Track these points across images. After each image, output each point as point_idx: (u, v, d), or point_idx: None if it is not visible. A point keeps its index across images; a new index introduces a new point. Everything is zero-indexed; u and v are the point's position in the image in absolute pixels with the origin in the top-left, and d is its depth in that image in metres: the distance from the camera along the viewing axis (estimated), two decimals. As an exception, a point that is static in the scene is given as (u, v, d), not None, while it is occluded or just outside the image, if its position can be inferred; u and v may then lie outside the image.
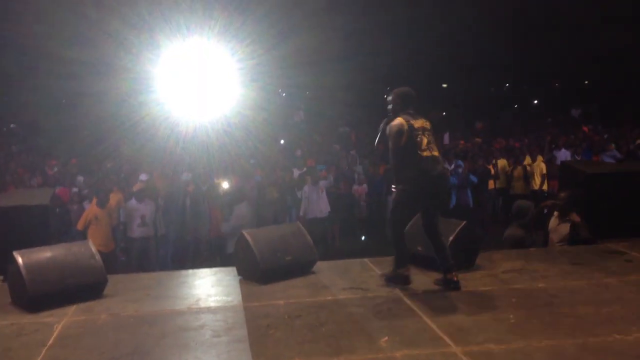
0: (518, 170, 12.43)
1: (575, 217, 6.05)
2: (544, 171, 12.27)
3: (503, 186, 12.52)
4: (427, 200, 4.77)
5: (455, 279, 4.72)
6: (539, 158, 12.70)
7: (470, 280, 4.94)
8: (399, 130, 4.66)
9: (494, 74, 27.06)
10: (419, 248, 5.36)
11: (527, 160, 12.93)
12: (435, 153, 4.75)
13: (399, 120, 4.70)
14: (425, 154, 4.66)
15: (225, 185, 9.83)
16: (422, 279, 5.03)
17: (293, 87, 21.21)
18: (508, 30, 23.78)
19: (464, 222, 5.35)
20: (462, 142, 17.47)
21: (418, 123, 4.73)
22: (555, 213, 6.22)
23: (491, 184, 12.31)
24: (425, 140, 4.68)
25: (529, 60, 25.01)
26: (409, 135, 4.65)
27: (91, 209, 8.77)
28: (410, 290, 4.76)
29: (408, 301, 4.51)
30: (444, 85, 30.99)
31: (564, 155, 13.40)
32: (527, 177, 12.38)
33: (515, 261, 5.52)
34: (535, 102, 30.72)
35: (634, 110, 20.83)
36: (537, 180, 12.23)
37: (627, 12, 20.35)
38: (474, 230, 5.52)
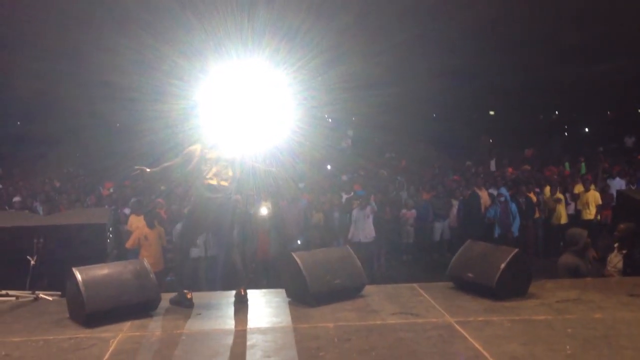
0: (562, 199, 12.13)
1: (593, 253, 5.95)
2: (599, 201, 11.93)
3: (547, 215, 12.21)
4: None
5: (243, 292, 5.16)
6: (592, 187, 12.37)
7: (523, 309, 4.84)
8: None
9: (542, 100, 26.68)
10: (470, 275, 5.30)
11: (579, 188, 12.62)
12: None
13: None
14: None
15: (263, 211, 10.00)
16: (474, 306, 4.95)
17: (340, 112, 21.37)
18: (558, 56, 23.49)
19: (516, 250, 5.26)
20: (510, 169, 17.18)
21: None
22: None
23: (537, 213, 12.04)
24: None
25: (580, 87, 24.58)
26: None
27: (141, 229, 8.99)
28: (461, 317, 4.69)
29: (459, 328, 4.44)
30: (491, 113, 30.71)
31: (618, 184, 13.04)
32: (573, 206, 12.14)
33: (569, 290, 5.37)
34: (587, 129, 30.06)
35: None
36: (592, 209, 11.90)
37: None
38: (526, 257, 5.40)
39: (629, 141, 24.67)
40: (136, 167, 5.32)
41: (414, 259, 11.61)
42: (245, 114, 5.65)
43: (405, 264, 11.38)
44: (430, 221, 11.85)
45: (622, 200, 7.61)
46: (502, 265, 5.05)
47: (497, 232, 11.28)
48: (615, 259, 5.98)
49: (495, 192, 12.09)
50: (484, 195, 11.83)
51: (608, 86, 23.83)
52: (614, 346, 4.02)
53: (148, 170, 5.28)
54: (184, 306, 5.06)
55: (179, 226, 9.28)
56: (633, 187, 12.32)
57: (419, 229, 11.75)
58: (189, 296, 5.13)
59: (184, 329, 4.55)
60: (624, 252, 5.92)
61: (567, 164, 17.34)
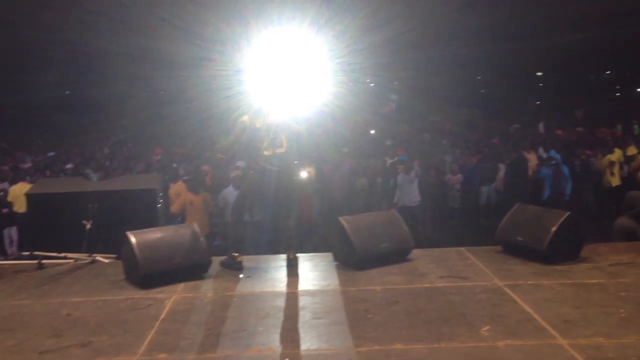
0: (617, 161, 11.75)
1: None
2: None
3: (599, 178, 11.87)
4: None
5: (292, 256, 5.23)
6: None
7: (575, 273, 4.77)
8: None
9: (593, 60, 25.70)
10: (519, 238, 5.24)
11: (632, 150, 12.22)
12: None
13: None
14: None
15: (305, 175, 10.02)
16: (523, 270, 4.90)
17: (382, 77, 21.08)
18: (609, 14, 22.47)
19: (568, 212, 5.15)
20: (559, 131, 16.74)
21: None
22: None
23: (590, 175, 11.72)
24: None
25: (634, 46, 23.53)
26: None
27: (186, 195, 9.16)
28: (511, 280, 4.65)
29: (509, 291, 4.41)
30: (539, 74, 29.79)
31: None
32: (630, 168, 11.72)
33: (623, 254, 5.25)
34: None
35: None
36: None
37: None
38: (579, 221, 5.29)
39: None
40: (218, 155, 5.50)
41: (460, 223, 11.52)
42: (287, 79, 5.63)
43: (451, 228, 11.30)
44: (476, 185, 11.70)
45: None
46: (553, 229, 4.96)
47: (546, 194, 11.06)
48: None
49: (544, 155, 11.83)
50: (532, 159, 11.59)
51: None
52: (670, 310, 3.94)
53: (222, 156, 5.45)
54: (234, 269, 5.18)
55: (225, 192, 9.43)
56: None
57: (464, 193, 11.63)
58: (238, 259, 5.24)
59: (235, 291, 4.66)
60: None
61: (619, 126, 16.80)
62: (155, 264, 4.72)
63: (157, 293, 4.54)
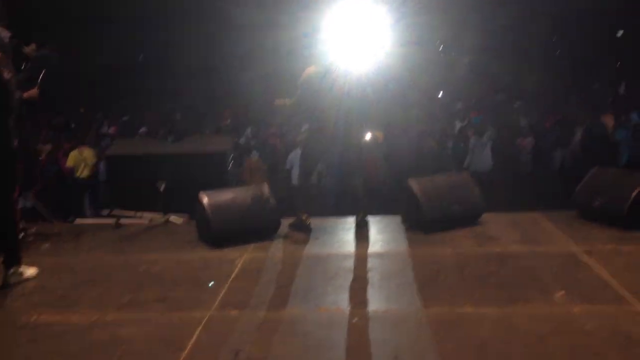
0: None
1: None
2: None
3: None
4: None
5: (361, 218, 5.23)
6: None
7: (657, 239, 4.55)
8: None
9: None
10: (598, 202, 5.03)
11: None
12: None
13: None
14: None
15: (370, 138, 9.91)
16: (601, 235, 4.72)
17: (453, 39, 20.42)
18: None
19: (651, 175, 4.89)
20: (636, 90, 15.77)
21: None
22: None
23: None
24: None
25: None
26: None
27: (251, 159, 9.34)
28: (587, 246, 4.48)
29: (585, 257, 4.26)
30: (619, 34, 28.05)
31: None
32: None
33: None
34: None
35: None
36: None
37: None
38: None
39: None
40: (276, 100, 5.48)
41: (532, 187, 11.15)
42: (355, 41, 5.52)
43: (523, 193, 10.96)
44: (549, 149, 11.25)
45: None
46: (635, 192, 4.72)
47: (624, 159, 10.52)
48: None
49: (623, 117, 11.22)
50: (610, 121, 11.01)
51: None
52: None
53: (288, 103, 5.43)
54: (303, 230, 5.24)
55: (292, 154, 9.51)
56: None
57: (537, 156, 11.21)
58: (307, 221, 5.29)
59: (304, 252, 4.72)
60: None
61: None
62: (227, 223, 4.83)
63: (228, 253, 4.66)
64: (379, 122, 10.48)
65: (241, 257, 4.56)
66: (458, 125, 11.57)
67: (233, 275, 4.17)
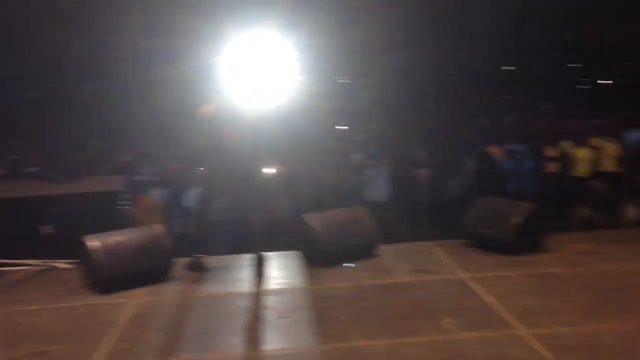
0: (583, 152, 11.91)
1: None
2: (619, 152, 11.71)
3: (565, 169, 12.01)
4: None
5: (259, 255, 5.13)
6: (612, 139, 12.12)
7: (538, 263, 4.83)
8: None
9: (562, 53, 25.98)
10: (485, 230, 5.27)
11: (597, 141, 12.39)
12: None
13: None
14: None
15: (270, 172, 9.95)
16: (488, 262, 4.94)
17: (354, 76, 21.06)
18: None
19: (531, 204, 5.21)
20: (525, 123, 16.92)
21: None
22: None
23: (553, 167, 11.86)
24: None
25: (600, 40, 23.84)
26: None
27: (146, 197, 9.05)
28: (476, 273, 4.67)
29: (473, 283, 4.43)
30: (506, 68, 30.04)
31: (634, 136, 12.78)
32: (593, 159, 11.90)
33: (584, 243, 5.33)
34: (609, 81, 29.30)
35: None
36: (611, 161, 11.69)
37: None
38: (542, 211, 5.34)
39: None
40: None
41: (428, 218, 11.56)
42: (255, 77, 5.54)
43: (419, 223, 11.33)
44: (444, 179, 11.75)
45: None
46: (518, 220, 5.00)
47: (512, 187, 11.17)
48: (631, 210, 5.90)
49: (510, 148, 11.94)
50: (497, 152, 11.69)
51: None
52: (628, 297, 4.00)
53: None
54: (198, 270, 5.10)
55: (190, 191, 9.31)
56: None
57: (433, 187, 11.67)
58: (203, 260, 5.16)
59: (198, 293, 4.59)
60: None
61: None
62: (116, 268, 4.61)
63: (118, 298, 4.44)
64: (281, 157, 10.60)
65: (131, 302, 4.36)
66: (357, 157, 11.82)
67: (122, 323, 3.96)
